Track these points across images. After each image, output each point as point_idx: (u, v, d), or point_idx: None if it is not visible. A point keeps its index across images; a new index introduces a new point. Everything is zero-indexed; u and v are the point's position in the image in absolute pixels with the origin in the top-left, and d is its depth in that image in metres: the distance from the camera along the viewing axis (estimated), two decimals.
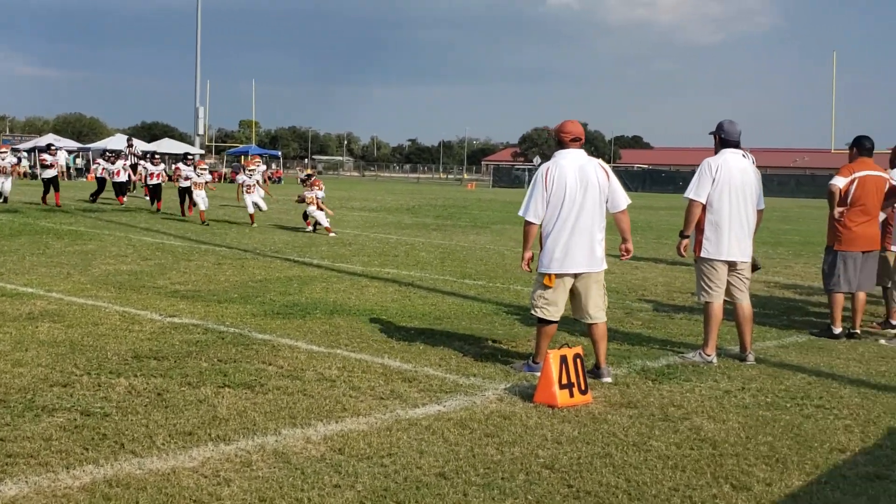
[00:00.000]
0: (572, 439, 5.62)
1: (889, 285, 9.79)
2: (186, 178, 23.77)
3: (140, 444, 5.19)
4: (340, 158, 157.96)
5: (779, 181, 77.17)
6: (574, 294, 7.19)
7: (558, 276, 7.08)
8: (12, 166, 28.49)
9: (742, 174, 7.95)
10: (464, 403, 6.32)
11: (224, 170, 64.14)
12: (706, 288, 8.01)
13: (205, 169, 24.73)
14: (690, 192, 7.99)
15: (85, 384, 6.46)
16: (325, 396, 6.35)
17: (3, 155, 26.49)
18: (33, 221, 21.05)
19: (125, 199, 29.13)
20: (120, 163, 29.56)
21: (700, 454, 5.42)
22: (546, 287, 7.11)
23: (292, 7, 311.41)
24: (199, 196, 22.89)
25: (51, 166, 27.14)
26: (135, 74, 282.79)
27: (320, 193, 20.72)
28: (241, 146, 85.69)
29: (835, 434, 5.95)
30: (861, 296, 9.51)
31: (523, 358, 7.65)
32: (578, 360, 6.43)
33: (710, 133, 8.23)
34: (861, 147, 9.58)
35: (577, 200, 7.01)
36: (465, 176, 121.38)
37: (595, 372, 7.12)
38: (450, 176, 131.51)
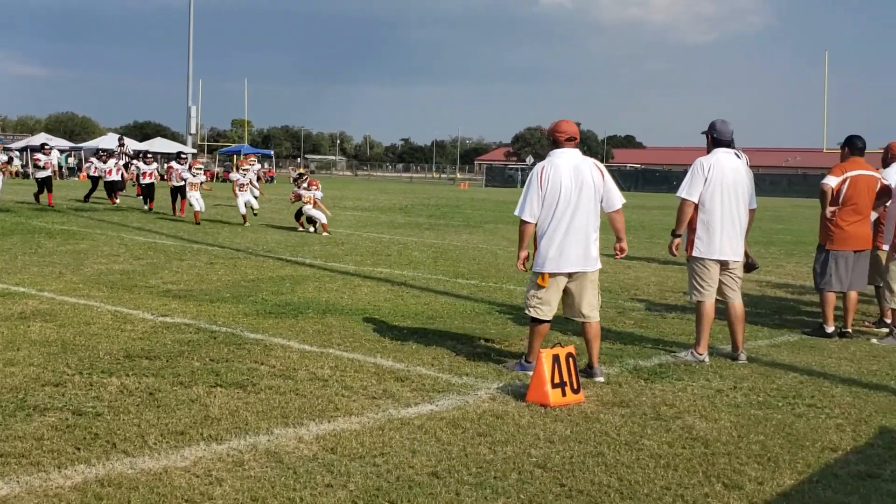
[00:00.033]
0: (565, 438, 5.62)
1: (881, 284, 9.81)
2: (182, 179, 23.73)
3: (132, 444, 5.18)
4: (333, 158, 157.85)
5: (771, 180, 77.33)
6: (568, 293, 7.19)
7: (552, 275, 7.08)
8: (2, 164, 28.42)
9: (734, 174, 7.97)
10: (456, 403, 6.32)
11: (216, 169, 64.06)
12: (698, 287, 8.03)
13: (200, 169, 24.68)
14: (682, 192, 8.01)
15: (77, 384, 6.45)
16: (317, 396, 6.35)
17: None
18: (25, 221, 21.00)
19: (118, 199, 29.07)
20: (112, 161, 29.49)
21: (692, 453, 5.43)
22: (539, 287, 7.11)
23: (285, 6, 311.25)
24: (194, 197, 22.75)
25: (45, 166, 27.07)
26: (127, 73, 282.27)
27: (318, 194, 20.73)
28: (233, 145, 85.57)
29: (826, 433, 5.96)
30: (853, 295, 9.54)
31: (516, 357, 7.66)
32: (571, 360, 6.44)
33: (703, 133, 8.24)
34: (853, 147, 9.60)
35: (571, 200, 7.02)
36: (458, 175, 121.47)
37: (587, 371, 7.13)
38: (443, 175, 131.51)
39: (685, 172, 8.23)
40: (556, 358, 6.35)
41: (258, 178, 30.47)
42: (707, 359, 7.95)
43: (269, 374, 6.91)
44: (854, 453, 5.56)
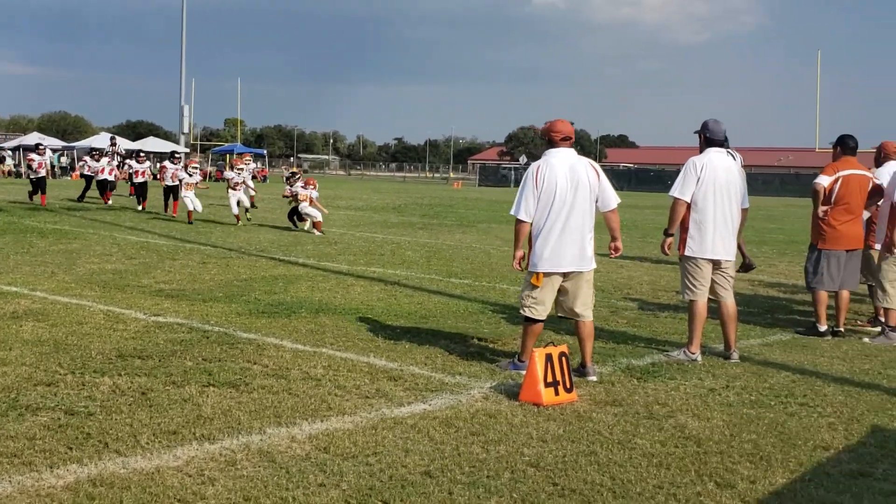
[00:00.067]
0: (557, 437, 5.63)
1: (872, 283, 9.84)
2: (177, 179, 23.67)
3: (124, 444, 5.18)
4: (326, 157, 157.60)
5: (763, 180, 77.49)
6: (563, 292, 7.20)
7: (546, 275, 7.09)
8: None
9: (727, 173, 7.98)
10: (449, 402, 6.32)
11: (209, 168, 63.96)
12: (690, 286, 8.04)
13: (196, 168, 24.67)
14: (675, 191, 8.02)
15: (69, 383, 6.44)
16: (310, 395, 6.34)
17: None
18: (17, 220, 20.95)
19: (110, 199, 29.00)
20: (105, 160, 29.43)
21: (684, 452, 5.44)
22: (534, 286, 7.11)
23: (278, 5, 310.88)
24: (188, 196, 22.64)
25: (38, 167, 27.00)
26: (120, 73, 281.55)
27: (315, 193, 20.73)
28: (226, 145, 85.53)
29: (818, 432, 5.97)
30: (845, 294, 9.56)
31: (509, 356, 7.66)
32: (564, 359, 6.45)
33: (695, 132, 8.26)
34: (845, 146, 9.62)
35: (567, 200, 7.02)
36: (452, 175, 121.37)
37: (580, 370, 7.13)
38: (436, 175, 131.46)
39: (678, 172, 8.25)
40: (548, 357, 6.36)
41: (254, 178, 30.43)
42: (699, 358, 7.96)
43: (262, 374, 6.90)
44: (846, 452, 5.58)
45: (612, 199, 7.26)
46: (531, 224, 7.16)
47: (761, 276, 14.70)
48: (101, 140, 53.55)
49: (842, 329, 9.51)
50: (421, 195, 49.04)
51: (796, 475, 5.11)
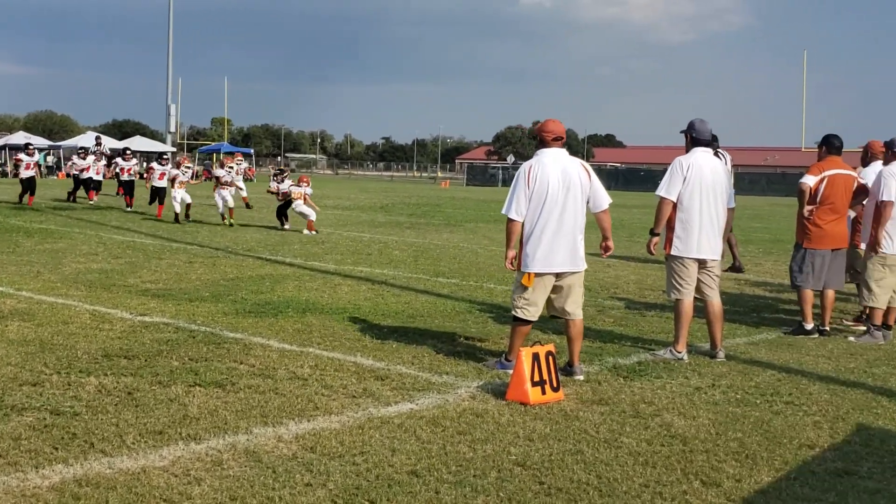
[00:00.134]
0: (544, 436, 5.64)
1: (856, 280, 9.89)
2: (164, 179, 23.60)
3: (110, 444, 5.16)
4: (314, 156, 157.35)
5: (750, 179, 77.62)
6: (555, 292, 7.20)
7: (538, 275, 7.09)
8: None
9: (713, 173, 8.01)
10: (436, 401, 6.32)
11: (196, 167, 63.75)
12: (676, 285, 8.06)
13: (189, 167, 24.66)
14: (661, 190, 8.04)
15: (55, 383, 6.41)
16: (297, 395, 6.34)
17: None
18: (2, 220, 20.85)
19: (96, 197, 28.91)
20: (91, 159, 29.35)
21: (670, 451, 5.46)
22: (525, 287, 7.11)
23: (265, 4, 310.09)
24: (180, 194, 22.47)
25: (27, 167, 26.87)
26: (106, 72, 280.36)
27: (309, 190, 20.72)
28: (213, 144, 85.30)
29: (804, 430, 6.00)
30: (830, 293, 9.60)
31: (496, 356, 7.67)
32: (550, 358, 6.46)
33: (682, 132, 8.28)
34: (830, 146, 9.66)
35: (558, 200, 7.03)
36: (440, 174, 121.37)
37: (567, 369, 7.15)
38: (424, 174, 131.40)
39: (665, 171, 8.27)
40: (535, 356, 6.37)
41: (247, 179, 30.41)
42: (686, 357, 7.98)
43: (249, 374, 6.89)
44: (831, 450, 5.60)
45: (604, 199, 7.28)
46: (523, 223, 7.16)
47: (747, 276, 14.78)
48: (87, 139, 53.27)
49: (827, 328, 9.55)
50: (408, 194, 49.01)
51: (781, 473, 5.14)
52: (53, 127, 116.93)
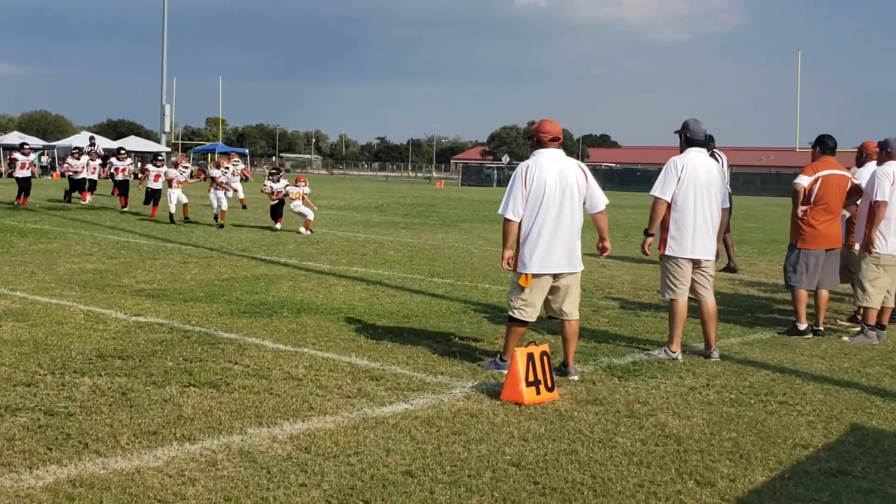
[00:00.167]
0: (539, 436, 5.64)
1: (850, 281, 9.91)
2: (159, 180, 23.56)
3: (104, 444, 5.15)
4: (308, 156, 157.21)
5: (744, 179, 77.67)
6: (552, 292, 7.20)
7: (536, 276, 7.08)
8: None
9: (707, 173, 8.02)
10: (431, 401, 6.32)
11: (192, 168, 63.66)
12: (671, 285, 8.07)
13: (187, 167, 24.64)
14: (656, 190, 8.05)
15: (49, 383, 6.40)
16: (291, 395, 6.33)
17: None
18: None
19: (90, 197, 28.85)
20: (85, 158, 29.29)
21: (665, 450, 5.46)
22: (523, 288, 7.11)
23: (260, 4, 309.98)
24: (176, 194, 22.42)
25: (22, 167, 26.81)
26: (101, 71, 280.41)
27: (307, 190, 20.72)
28: (207, 144, 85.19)
29: (798, 430, 6.01)
30: (824, 293, 9.61)
31: (491, 356, 7.67)
32: (545, 358, 6.46)
33: (676, 132, 8.29)
34: (824, 146, 9.67)
35: (555, 201, 7.03)
36: (434, 174, 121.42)
37: (562, 369, 7.15)
38: (419, 174, 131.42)
39: (659, 172, 8.28)
40: (530, 356, 6.37)
41: (244, 179, 30.35)
42: (680, 357, 7.99)
43: (243, 374, 6.89)
44: (825, 450, 5.62)
45: (601, 200, 7.27)
46: (520, 224, 7.16)
47: (742, 276, 14.80)
48: (81, 139, 53.16)
49: (821, 328, 9.57)
50: (403, 194, 49.01)
51: (776, 473, 5.15)
52: (48, 127, 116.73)
